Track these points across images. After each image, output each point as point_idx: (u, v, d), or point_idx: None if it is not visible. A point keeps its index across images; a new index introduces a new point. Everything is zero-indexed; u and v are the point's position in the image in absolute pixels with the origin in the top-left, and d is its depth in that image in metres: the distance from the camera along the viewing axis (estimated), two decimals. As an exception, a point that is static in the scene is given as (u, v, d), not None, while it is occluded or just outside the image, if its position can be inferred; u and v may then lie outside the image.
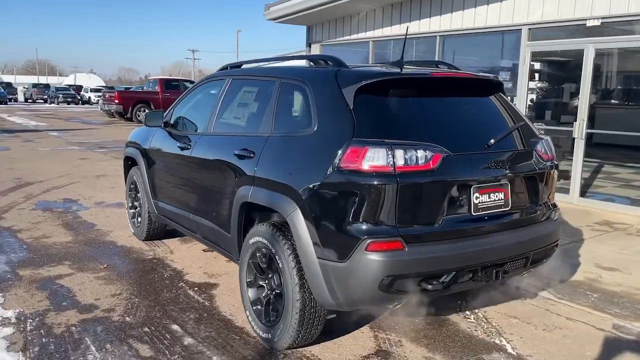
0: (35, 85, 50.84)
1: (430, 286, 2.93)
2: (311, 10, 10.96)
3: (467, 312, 3.94)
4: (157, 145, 5.00)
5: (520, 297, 4.22)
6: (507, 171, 3.22)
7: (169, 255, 5.17)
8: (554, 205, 3.66)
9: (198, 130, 4.51)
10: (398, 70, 3.32)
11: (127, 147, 5.66)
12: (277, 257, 3.19)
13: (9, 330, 3.48)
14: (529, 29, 8.16)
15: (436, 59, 9.56)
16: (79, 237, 5.66)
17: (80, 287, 4.25)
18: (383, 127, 3.00)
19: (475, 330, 3.67)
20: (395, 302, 3.02)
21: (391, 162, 2.80)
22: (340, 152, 2.88)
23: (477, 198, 3.09)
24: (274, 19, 12.07)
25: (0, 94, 39.72)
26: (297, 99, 3.48)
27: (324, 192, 2.95)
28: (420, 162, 2.87)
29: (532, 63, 8.44)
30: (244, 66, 4.56)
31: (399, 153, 2.83)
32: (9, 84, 49.21)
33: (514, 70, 8.63)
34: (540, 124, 8.80)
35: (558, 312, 3.98)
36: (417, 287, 2.91)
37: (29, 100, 46.95)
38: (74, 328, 3.54)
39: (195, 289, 4.30)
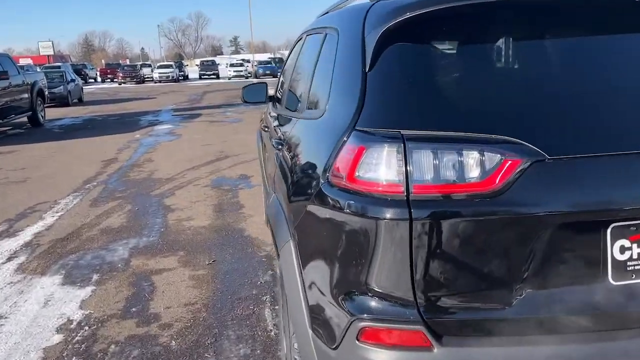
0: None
1: None
2: None
3: None
4: None
5: None
6: None
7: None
8: None
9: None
10: None
11: None
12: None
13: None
14: None
15: None
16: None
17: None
18: (415, 106, 1.63)
19: None
20: None
21: (401, 176, 1.48)
22: (333, 151, 1.66)
23: (623, 250, 1.53)
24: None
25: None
26: (324, 58, 2.22)
27: (309, 221, 1.82)
28: (468, 176, 1.47)
29: None
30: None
31: (422, 156, 1.48)
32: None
33: None
34: None
35: None
36: None
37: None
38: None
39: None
